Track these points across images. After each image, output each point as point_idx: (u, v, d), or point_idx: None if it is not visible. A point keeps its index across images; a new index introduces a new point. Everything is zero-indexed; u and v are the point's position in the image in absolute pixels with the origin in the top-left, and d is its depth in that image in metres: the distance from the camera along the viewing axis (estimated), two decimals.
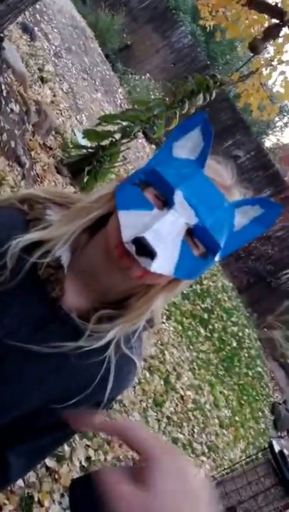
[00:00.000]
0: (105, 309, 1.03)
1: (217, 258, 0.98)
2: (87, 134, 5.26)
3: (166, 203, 0.94)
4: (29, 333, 1.01)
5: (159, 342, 6.67)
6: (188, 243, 0.95)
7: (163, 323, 7.11)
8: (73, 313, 1.02)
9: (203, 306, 10.00)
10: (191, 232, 0.94)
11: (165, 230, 0.91)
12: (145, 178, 0.97)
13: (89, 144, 5.51)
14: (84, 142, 5.85)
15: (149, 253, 0.89)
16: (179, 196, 0.93)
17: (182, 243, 0.94)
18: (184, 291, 8.90)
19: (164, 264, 0.92)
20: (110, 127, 5.66)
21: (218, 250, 0.96)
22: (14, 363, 1.03)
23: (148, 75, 15.19)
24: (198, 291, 10.18)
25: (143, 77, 14.93)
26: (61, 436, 1.14)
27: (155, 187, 0.96)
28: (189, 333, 8.39)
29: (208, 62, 17.07)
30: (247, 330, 11.63)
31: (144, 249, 0.89)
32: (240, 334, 10.84)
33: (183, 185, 0.94)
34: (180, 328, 8.11)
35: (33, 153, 5.37)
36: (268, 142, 20.76)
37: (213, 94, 4.86)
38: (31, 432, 1.09)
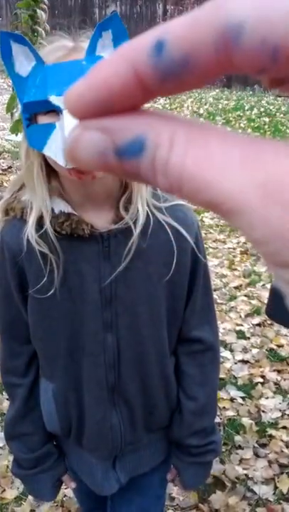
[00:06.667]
0: (119, 200, 1.15)
1: None
2: (17, 126, 4.68)
3: (56, 111, 1.00)
4: (110, 268, 1.17)
5: None
6: None
7: None
8: (112, 225, 1.15)
9: None
10: None
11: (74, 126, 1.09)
12: (28, 114, 1.04)
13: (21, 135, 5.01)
14: (15, 137, 5.58)
15: None
16: (54, 98, 0.98)
17: None
18: None
19: None
20: None
21: None
22: (126, 296, 1.20)
23: None
24: None
25: None
26: None
27: (39, 111, 1.03)
28: None
29: None
30: None
31: None
32: None
33: (48, 89, 0.99)
34: None
35: None
36: None
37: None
38: None
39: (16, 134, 4.97)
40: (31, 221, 1.13)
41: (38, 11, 4.51)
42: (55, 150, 1.01)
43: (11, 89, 5.67)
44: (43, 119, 1.03)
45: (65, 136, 0.97)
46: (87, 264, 1.18)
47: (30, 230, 1.13)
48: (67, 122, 0.97)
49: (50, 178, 1.14)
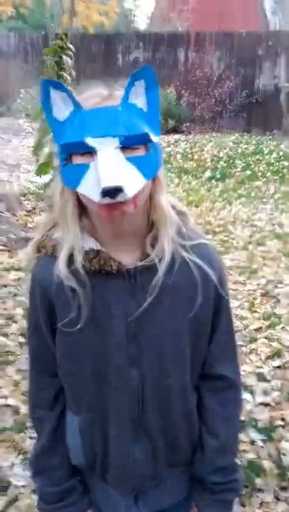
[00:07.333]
0: (146, 238, 1.23)
1: (155, 139, 1.13)
2: (42, 168, 4.92)
3: (90, 153, 1.08)
4: (137, 303, 1.22)
5: None
6: (131, 154, 1.08)
7: None
8: (138, 262, 1.22)
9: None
10: (124, 147, 1.07)
11: (109, 167, 1.04)
12: (64, 154, 1.12)
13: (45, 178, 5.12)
14: (40, 179, 5.51)
15: (118, 190, 1.04)
16: (91, 140, 1.06)
17: (128, 159, 1.08)
18: None
19: (132, 184, 1.07)
20: None
21: (149, 135, 1.10)
22: (151, 332, 1.25)
23: None
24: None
25: None
26: None
27: (75, 152, 1.11)
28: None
29: (43, 32, 18.23)
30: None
31: (113, 192, 1.04)
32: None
33: (85, 132, 1.07)
34: None
35: None
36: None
37: (70, 46, 4.80)
38: None
39: (41, 176, 5.08)
40: (62, 257, 1.19)
41: (63, 57, 4.65)
42: (89, 188, 1.08)
43: (35, 132, 5.84)
44: (77, 160, 1.11)
45: (99, 176, 1.04)
46: (114, 299, 1.23)
47: (61, 266, 1.19)
48: (101, 163, 1.05)
49: (80, 216, 1.21)
